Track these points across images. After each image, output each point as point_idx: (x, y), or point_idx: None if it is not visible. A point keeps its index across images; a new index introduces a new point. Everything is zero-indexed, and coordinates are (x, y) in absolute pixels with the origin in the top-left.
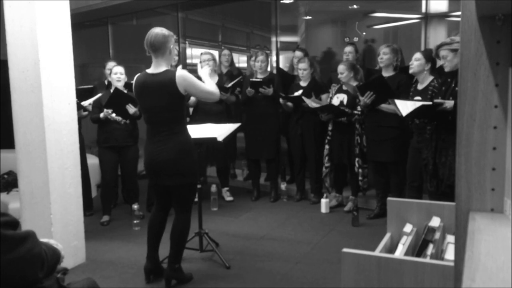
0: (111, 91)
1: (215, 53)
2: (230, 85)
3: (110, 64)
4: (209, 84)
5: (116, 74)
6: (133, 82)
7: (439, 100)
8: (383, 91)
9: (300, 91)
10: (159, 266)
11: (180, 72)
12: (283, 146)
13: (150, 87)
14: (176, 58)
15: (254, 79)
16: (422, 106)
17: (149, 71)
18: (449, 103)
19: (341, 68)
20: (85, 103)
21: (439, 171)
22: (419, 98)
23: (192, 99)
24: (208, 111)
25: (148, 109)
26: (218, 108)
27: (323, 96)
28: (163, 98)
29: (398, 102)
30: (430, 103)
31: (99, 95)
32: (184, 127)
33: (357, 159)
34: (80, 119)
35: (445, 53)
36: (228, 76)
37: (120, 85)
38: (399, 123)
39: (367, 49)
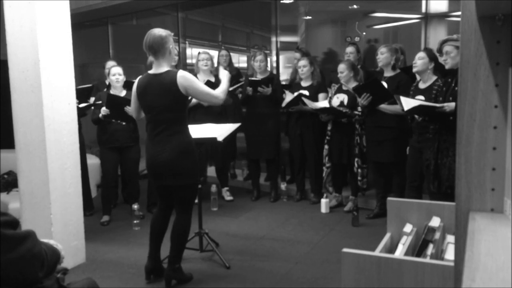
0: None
1: (214, 53)
2: (232, 88)
3: (109, 64)
4: (223, 87)
5: (115, 76)
6: (136, 83)
7: (440, 105)
8: (380, 93)
9: (301, 91)
10: (160, 265)
11: (182, 73)
12: (283, 146)
13: (153, 87)
14: (176, 58)
15: (252, 78)
16: (421, 106)
17: (151, 72)
18: (449, 107)
19: (341, 67)
20: (83, 106)
21: (441, 171)
22: (421, 97)
23: (194, 100)
24: (206, 112)
25: (150, 109)
26: (217, 108)
27: (320, 95)
28: (166, 98)
29: (403, 99)
30: (432, 104)
31: (99, 102)
32: (185, 127)
33: (356, 159)
34: (80, 119)
35: (450, 48)
36: None
37: (119, 86)
38: (397, 124)
39: (368, 49)
